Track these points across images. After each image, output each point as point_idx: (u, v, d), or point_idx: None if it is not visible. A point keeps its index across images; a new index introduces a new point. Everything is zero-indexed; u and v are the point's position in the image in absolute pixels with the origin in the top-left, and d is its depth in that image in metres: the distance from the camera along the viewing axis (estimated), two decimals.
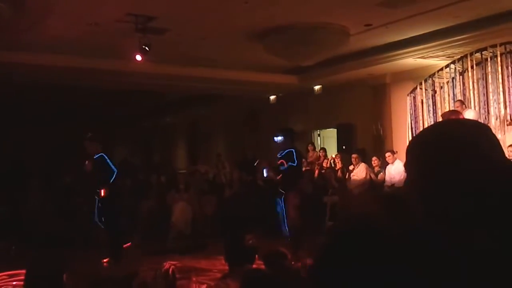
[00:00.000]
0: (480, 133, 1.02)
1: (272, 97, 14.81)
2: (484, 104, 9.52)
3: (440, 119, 8.83)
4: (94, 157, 7.64)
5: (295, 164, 7.63)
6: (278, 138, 8.03)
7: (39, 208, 9.67)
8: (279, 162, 7.79)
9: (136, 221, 10.18)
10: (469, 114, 8.67)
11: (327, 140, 13.94)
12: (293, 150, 7.73)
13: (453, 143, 0.99)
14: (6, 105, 14.84)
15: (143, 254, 7.89)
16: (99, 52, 9.57)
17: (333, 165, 11.54)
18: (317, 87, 13.03)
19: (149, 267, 5.31)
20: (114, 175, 7.66)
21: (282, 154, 7.72)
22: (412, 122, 10.99)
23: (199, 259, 7.54)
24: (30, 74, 10.54)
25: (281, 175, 7.74)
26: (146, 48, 8.30)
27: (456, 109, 9.10)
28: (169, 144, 20.61)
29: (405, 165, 1.09)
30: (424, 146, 1.03)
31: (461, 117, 8.02)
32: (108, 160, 7.71)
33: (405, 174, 1.09)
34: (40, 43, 8.83)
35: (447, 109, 9.82)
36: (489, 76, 9.41)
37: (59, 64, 9.72)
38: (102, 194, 7.53)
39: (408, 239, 0.79)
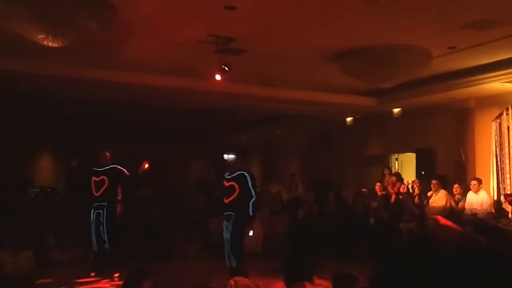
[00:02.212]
0: None
1: (348, 119, 14.61)
2: None
3: None
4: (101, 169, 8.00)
5: (253, 197, 6.82)
6: (229, 157, 7.34)
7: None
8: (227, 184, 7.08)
9: (206, 238, 10.33)
10: None
11: (405, 165, 13.54)
12: (245, 174, 6.94)
13: None
14: (94, 123, 15.63)
15: (212, 270, 7.98)
16: (179, 71, 9.91)
17: (411, 190, 11.16)
18: (396, 110, 12.70)
19: (218, 283, 5.36)
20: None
21: (233, 175, 7.01)
22: (497, 149, 10.44)
23: (266, 277, 7.50)
24: (112, 91, 11.14)
25: (231, 198, 6.95)
26: (226, 68, 8.50)
27: None
28: None
29: None
30: None
31: None
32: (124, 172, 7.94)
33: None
34: (124, 61, 9.25)
35: None
36: None
37: (140, 82, 10.12)
38: (146, 166, 7.73)
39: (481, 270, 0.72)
